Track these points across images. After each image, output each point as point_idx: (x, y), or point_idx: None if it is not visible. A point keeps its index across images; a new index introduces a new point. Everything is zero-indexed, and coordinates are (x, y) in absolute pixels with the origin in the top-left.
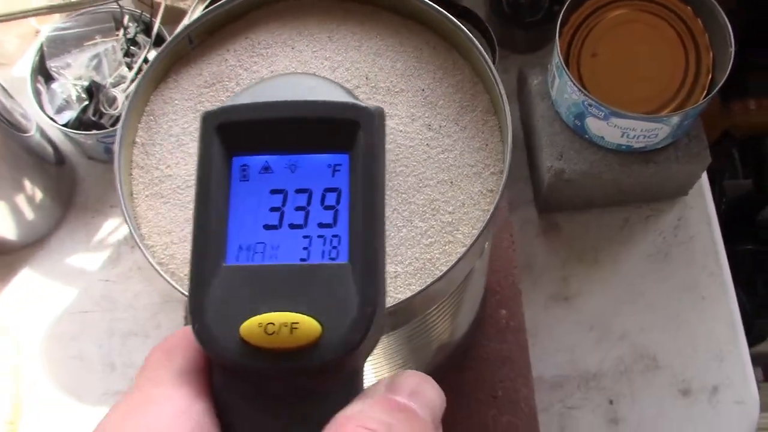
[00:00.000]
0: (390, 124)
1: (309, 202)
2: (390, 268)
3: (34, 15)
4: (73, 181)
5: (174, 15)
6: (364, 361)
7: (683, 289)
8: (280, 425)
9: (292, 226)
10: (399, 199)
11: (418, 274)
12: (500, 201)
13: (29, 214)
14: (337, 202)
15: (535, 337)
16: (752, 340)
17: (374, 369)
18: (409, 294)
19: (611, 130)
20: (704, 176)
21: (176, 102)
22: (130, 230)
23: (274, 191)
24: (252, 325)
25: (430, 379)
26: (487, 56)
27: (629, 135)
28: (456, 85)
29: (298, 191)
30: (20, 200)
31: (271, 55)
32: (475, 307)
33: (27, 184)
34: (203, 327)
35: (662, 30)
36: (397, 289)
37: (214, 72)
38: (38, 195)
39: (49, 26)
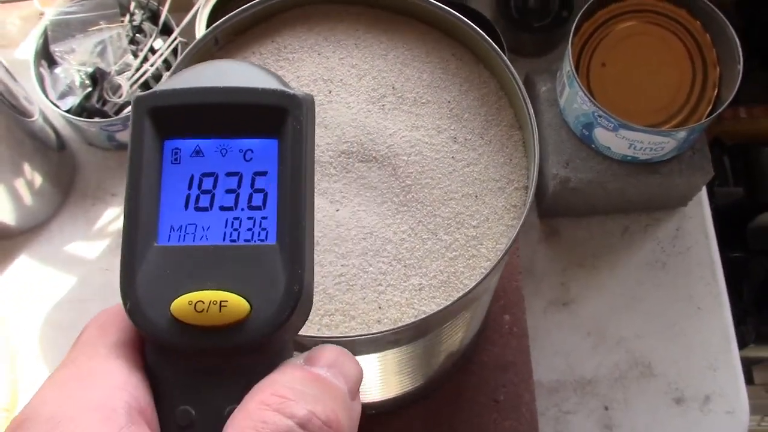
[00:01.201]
0: (416, 135)
1: (239, 185)
2: (415, 280)
3: None
4: (73, 167)
5: (182, 3)
6: (291, 338)
7: (679, 299)
8: (209, 398)
9: (222, 208)
10: (424, 211)
11: (443, 287)
12: (526, 217)
13: (29, 199)
14: (267, 185)
15: (533, 342)
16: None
17: (382, 375)
18: (434, 307)
19: (619, 141)
20: (703, 189)
21: None
22: None
23: (205, 174)
24: (182, 303)
25: (348, 353)
26: (515, 72)
27: (636, 147)
28: (481, 98)
29: (229, 174)
30: (20, 185)
31: (297, 60)
32: (483, 315)
33: (28, 169)
34: (134, 305)
35: (671, 43)
36: (422, 302)
37: None
38: (38, 180)
39: (53, 9)
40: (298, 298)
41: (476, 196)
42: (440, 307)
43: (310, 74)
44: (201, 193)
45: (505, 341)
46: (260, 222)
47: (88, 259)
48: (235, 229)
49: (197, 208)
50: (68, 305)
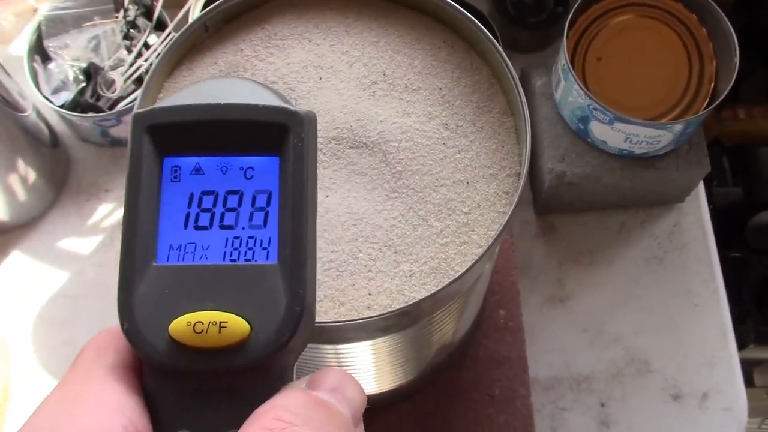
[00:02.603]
0: (407, 121)
1: (240, 204)
2: (405, 267)
3: None
4: (67, 163)
5: None
6: (294, 360)
7: (676, 295)
8: (209, 421)
9: (222, 227)
10: (415, 197)
11: (433, 274)
12: (517, 204)
13: (22, 195)
14: (268, 203)
15: (530, 338)
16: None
17: (375, 366)
18: (424, 293)
19: (615, 134)
20: (701, 184)
21: None
22: None
23: (205, 192)
24: (181, 324)
25: (351, 377)
26: (507, 58)
27: (632, 140)
28: (473, 85)
29: (229, 192)
30: (13, 180)
31: (287, 47)
32: (477, 307)
33: (21, 164)
34: (132, 325)
35: (667, 37)
36: (412, 288)
37: (230, 62)
38: (32, 176)
39: (48, 5)
40: (299, 319)
41: (467, 183)
42: (430, 293)
43: (300, 61)
44: (201, 211)
45: (500, 336)
46: (261, 241)
47: (81, 255)
48: (236, 249)
49: (197, 227)
50: (61, 300)
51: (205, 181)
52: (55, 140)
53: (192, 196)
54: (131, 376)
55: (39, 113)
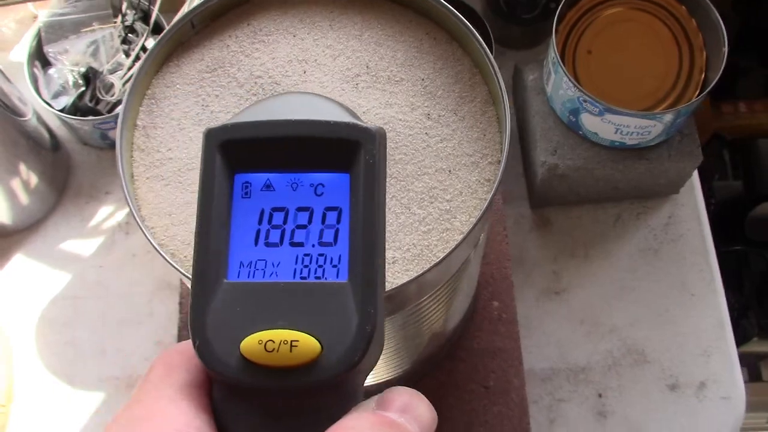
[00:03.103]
0: (390, 112)
1: (310, 221)
2: (388, 254)
3: (32, 0)
4: (67, 166)
5: (172, 3)
6: (364, 378)
7: (673, 286)
8: None
9: (292, 244)
10: (398, 186)
11: (416, 260)
12: (497, 190)
13: (24, 198)
14: (338, 221)
15: (526, 331)
16: (738, 339)
17: None
18: (406, 279)
19: (605, 126)
20: (695, 175)
21: (178, 86)
22: (131, 211)
23: (275, 209)
24: (252, 342)
25: (421, 396)
26: (486, 48)
27: (623, 131)
28: (455, 75)
29: (300, 209)
30: (15, 184)
31: (272, 42)
32: (468, 298)
33: (23, 168)
34: (204, 343)
35: (657, 29)
36: (395, 275)
37: (216, 57)
38: (33, 179)
39: (47, 11)
40: (370, 339)
41: (450, 171)
42: (410, 278)
43: (285, 55)
44: (271, 228)
45: (493, 328)
46: (331, 259)
47: (82, 257)
48: (306, 266)
49: (267, 244)
50: (63, 302)
51: (276, 197)
52: (55, 144)
53: (263, 212)
54: (200, 395)
55: (39, 118)
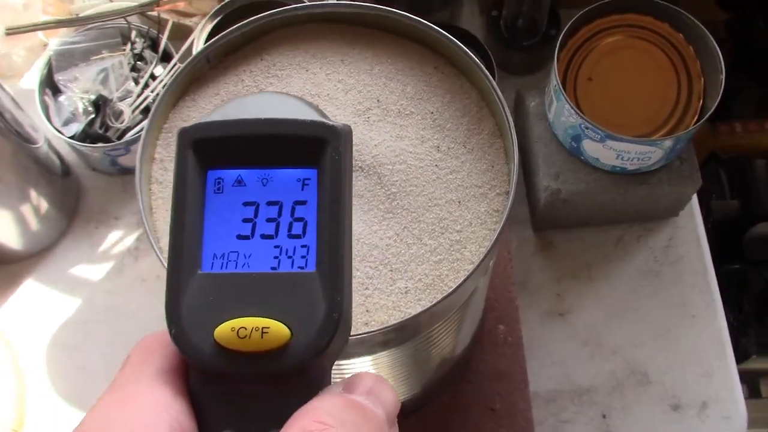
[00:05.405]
0: (401, 145)
1: (280, 214)
2: (401, 284)
3: (42, 29)
4: (77, 192)
5: (181, 31)
6: (331, 364)
7: (674, 307)
8: (251, 422)
9: (263, 237)
10: (409, 217)
11: (428, 290)
12: (507, 221)
13: (34, 224)
14: (306, 214)
15: (530, 352)
16: (738, 357)
17: None
18: (419, 309)
19: (607, 152)
20: (694, 198)
21: (194, 120)
22: (151, 243)
23: (246, 203)
24: (225, 329)
25: (385, 381)
26: (494, 81)
27: (624, 157)
28: (463, 108)
29: (270, 203)
30: (26, 210)
31: (286, 77)
32: (476, 322)
33: (33, 194)
34: (180, 331)
35: (655, 56)
36: (408, 304)
37: (231, 92)
38: (44, 205)
39: (57, 40)
40: (337, 325)
41: (459, 202)
42: (425, 308)
43: (299, 89)
44: (243, 221)
45: (500, 351)
46: (300, 250)
47: (92, 282)
48: (276, 257)
49: (239, 237)
50: (73, 327)
51: (247, 192)
52: (65, 170)
53: (234, 207)
54: (177, 379)
55: (50, 144)
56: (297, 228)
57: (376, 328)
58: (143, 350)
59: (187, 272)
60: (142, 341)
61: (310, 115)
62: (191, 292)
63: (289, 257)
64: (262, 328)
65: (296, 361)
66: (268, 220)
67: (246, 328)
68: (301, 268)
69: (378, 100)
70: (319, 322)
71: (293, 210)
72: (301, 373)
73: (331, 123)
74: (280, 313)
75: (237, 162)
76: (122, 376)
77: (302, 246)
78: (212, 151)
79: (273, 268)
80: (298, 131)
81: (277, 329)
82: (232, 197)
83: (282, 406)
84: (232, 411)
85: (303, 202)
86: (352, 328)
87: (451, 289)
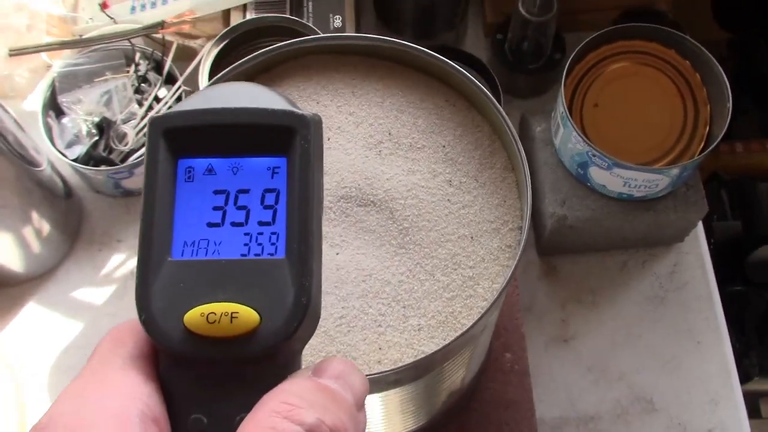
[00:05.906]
0: (412, 179)
1: (250, 202)
2: (414, 321)
3: (46, 50)
4: (80, 214)
5: (185, 53)
6: (300, 348)
7: (679, 333)
8: (221, 406)
9: (233, 224)
10: (422, 253)
11: (441, 327)
12: (521, 258)
13: (37, 246)
14: (276, 201)
15: (535, 378)
16: (740, 379)
17: (385, 415)
18: (433, 347)
19: (614, 179)
20: (699, 224)
21: None
22: None
23: (217, 191)
24: (195, 315)
25: (355, 366)
26: (505, 115)
27: (630, 184)
28: (475, 142)
29: (240, 191)
30: (28, 233)
31: None
32: (484, 353)
33: (36, 217)
34: (149, 317)
35: (662, 83)
36: (421, 342)
37: None
38: (46, 228)
39: (61, 61)
40: (305, 310)
41: (472, 238)
42: (439, 347)
43: None
44: (213, 209)
45: (506, 379)
46: (270, 237)
47: (95, 305)
48: (246, 244)
49: (209, 224)
50: (76, 350)
51: (218, 180)
52: (68, 192)
53: (205, 195)
54: (148, 365)
55: (53, 167)
56: (267, 215)
57: (389, 368)
58: (113, 338)
59: (157, 259)
60: (113, 330)
61: (280, 105)
62: (161, 279)
63: (259, 244)
64: (231, 313)
65: (265, 346)
66: (239, 207)
67: (215, 314)
68: (271, 254)
69: (389, 133)
70: (288, 307)
71: (263, 198)
72: (270, 358)
73: (300, 112)
74: (250, 299)
75: (208, 151)
76: (93, 363)
77: (272, 233)
78: (183, 139)
79: (243, 255)
80: (267, 120)
81: (246, 314)
82: (202, 185)
83: (252, 390)
84: (202, 396)
85: (273, 190)
86: (366, 367)
87: (465, 327)
